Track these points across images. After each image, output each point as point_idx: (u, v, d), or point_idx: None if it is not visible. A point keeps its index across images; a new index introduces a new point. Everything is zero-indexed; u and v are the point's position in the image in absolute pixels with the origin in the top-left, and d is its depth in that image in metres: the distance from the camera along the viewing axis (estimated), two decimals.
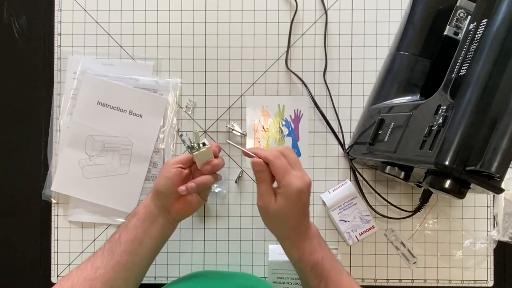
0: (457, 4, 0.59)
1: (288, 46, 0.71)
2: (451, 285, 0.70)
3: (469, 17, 0.56)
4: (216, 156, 0.59)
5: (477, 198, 0.70)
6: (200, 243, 0.71)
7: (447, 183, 0.49)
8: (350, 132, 0.71)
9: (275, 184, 0.53)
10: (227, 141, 0.62)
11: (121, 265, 0.53)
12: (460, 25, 0.59)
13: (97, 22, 0.72)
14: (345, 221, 0.68)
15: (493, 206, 0.70)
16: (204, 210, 0.71)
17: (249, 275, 0.69)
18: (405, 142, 0.54)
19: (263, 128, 0.71)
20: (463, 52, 0.51)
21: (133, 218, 0.55)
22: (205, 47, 0.71)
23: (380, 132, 0.60)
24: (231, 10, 0.71)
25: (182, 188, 0.56)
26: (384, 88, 0.64)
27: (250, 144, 0.71)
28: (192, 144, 0.56)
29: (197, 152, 0.56)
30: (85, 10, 0.72)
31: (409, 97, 0.61)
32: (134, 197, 0.70)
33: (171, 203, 0.57)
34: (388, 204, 0.69)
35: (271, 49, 0.71)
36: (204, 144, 0.56)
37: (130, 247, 0.54)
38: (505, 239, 0.68)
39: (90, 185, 0.70)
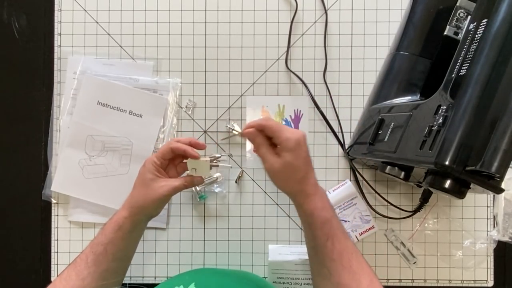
0: (457, 4, 0.59)
1: (288, 46, 0.71)
2: (451, 285, 0.70)
3: (469, 17, 0.56)
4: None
5: (477, 198, 0.70)
6: (200, 243, 0.71)
7: (447, 183, 0.49)
8: (350, 132, 0.71)
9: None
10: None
11: (109, 272, 0.55)
12: (460, 25, 0.59)
13: (97, 22, 0.72)
14: (345, 221, 0.68)
15: (493, 206, 0.70)
16: (204, 210, 0.71)
17: (248, 274, 0.69)
18: (405, 142, 0.54)
19: None
20: (463, 52, 0.51)
21: (118, 231, 0.55)
22: (205, 47, 0.71)
23: (380, 132, 0.60)
24: (231, 10, 0.71)
25: None
26: (384, 88, 0.64)
27: (250, 144, 0.71)
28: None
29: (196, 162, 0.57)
30: (85, 10, 0.72)
31: (409, 97, 0.61)
32: None
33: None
34: (388, 204, 0.69)
35: (271, 49, 0.71)
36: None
37: (118, 255, 0.56)
38: (505, 239, 0.68)
39: (90, 185, 0.70)
